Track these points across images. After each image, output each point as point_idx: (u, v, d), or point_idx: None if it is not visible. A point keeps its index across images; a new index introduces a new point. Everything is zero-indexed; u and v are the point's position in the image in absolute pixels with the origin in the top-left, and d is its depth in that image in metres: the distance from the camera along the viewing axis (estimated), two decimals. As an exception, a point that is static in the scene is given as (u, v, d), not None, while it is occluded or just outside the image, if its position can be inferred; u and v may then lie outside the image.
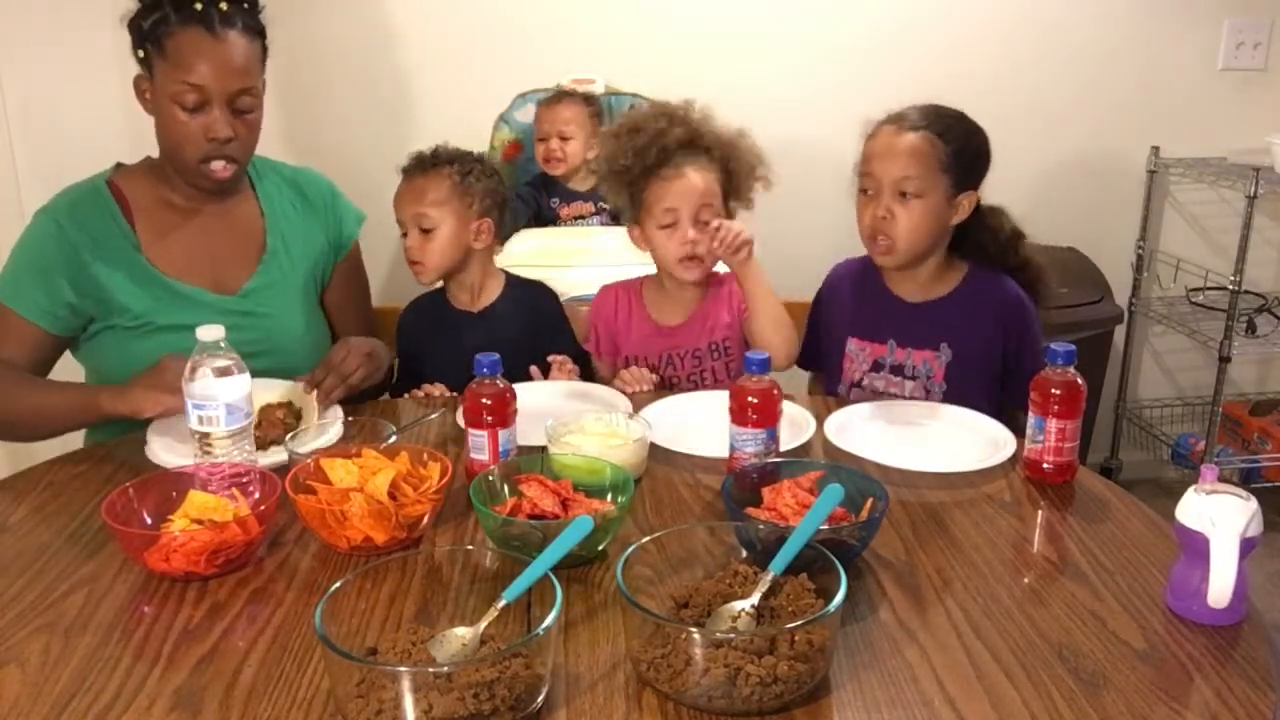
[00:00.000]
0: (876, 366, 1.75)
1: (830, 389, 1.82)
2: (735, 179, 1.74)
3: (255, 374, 1.31)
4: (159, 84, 1.58)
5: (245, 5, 1.61)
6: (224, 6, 1.56)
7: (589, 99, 2.48)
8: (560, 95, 2.47)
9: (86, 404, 1.53)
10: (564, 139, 2.43)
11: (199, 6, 1.54)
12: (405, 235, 1.78)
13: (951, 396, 1.67)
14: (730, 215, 1.74)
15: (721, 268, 1.80)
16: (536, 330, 1.81)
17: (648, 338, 1.81)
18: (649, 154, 1.70)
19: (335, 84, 2.54)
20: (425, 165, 1.77)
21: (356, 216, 1.89)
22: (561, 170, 2.45)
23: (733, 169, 1.74)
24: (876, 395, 1.73)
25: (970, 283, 1.73)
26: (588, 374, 1.83)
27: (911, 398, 1.71)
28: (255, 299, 1.72)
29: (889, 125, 1.68)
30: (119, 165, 1.73)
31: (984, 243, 1.73)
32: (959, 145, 1.65)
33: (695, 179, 1.69)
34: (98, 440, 1.63)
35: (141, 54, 1.59)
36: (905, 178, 1.64)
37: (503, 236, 1.86)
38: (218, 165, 1.62)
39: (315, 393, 1.54)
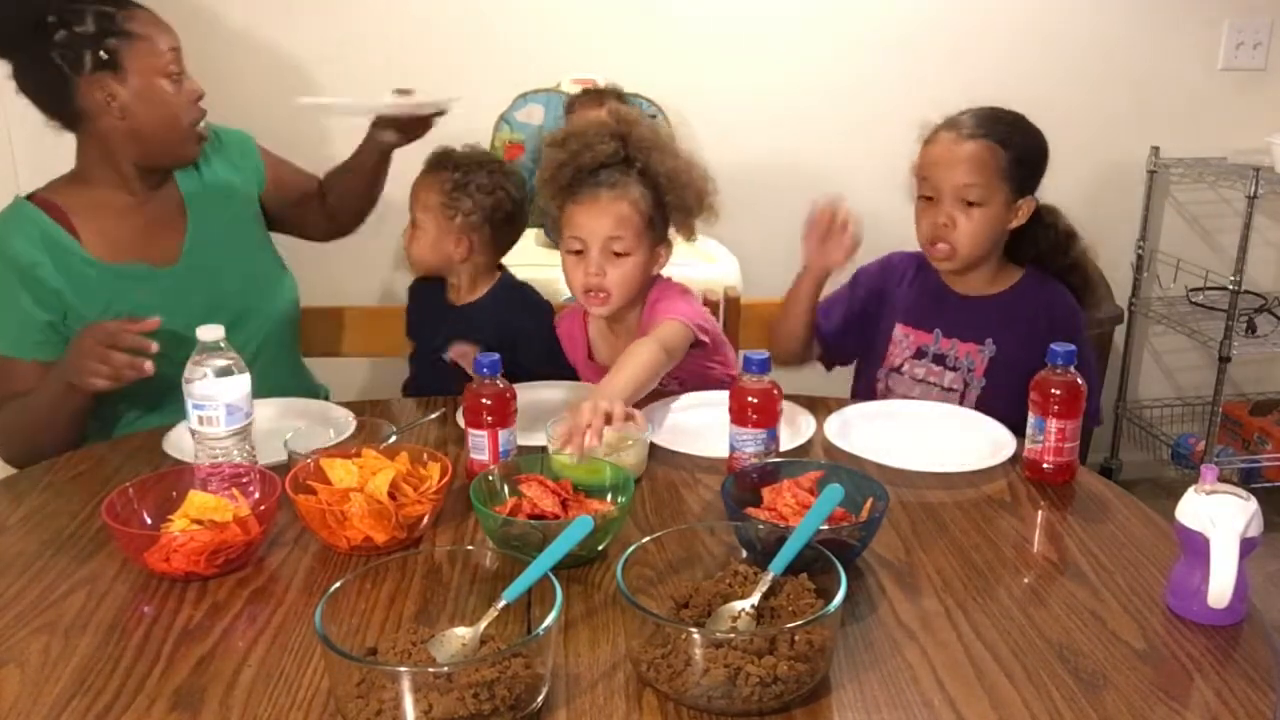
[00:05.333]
0: (919, 354, 1.75)
1: (869, 373, 1.82)
2: (671, 210, 1.63)
3: (228, 332, 1.29)
4: (135, 69, 1.61)
5: None
6: None
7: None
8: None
9: (58, 388, 1.53)
10: None
11: None
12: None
13: (989, 393, 1.68)
14: (659, 241, 1.64)
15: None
16: (503, 337, 1.68)
17: (588, 376, 1.72)
18: (566, 172, 1.60)
19: (337, 84, 2.53)
20: (430, 165, 1.75)
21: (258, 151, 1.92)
22: None
23: (668, 200, 1.62)
24: (914, 382, 1.73)
25: (1024, 284, 1.73)
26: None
27: (949, 389, 1.71)
28: (194, 256, 1.74)
29: (948, 132, 1.67)
30: (29, 195, 1.70)
31: (1036, 238, 1.73)
32: (1018, 152, 1.66)
33: (610, 208, 1.58)
34: (99, 441, 1.63)
35: (104, 55, 1.59)
36: (968, 185, 1.63)
37: (510, 243, 1.80)
38: (202, 126, 1.70)
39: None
